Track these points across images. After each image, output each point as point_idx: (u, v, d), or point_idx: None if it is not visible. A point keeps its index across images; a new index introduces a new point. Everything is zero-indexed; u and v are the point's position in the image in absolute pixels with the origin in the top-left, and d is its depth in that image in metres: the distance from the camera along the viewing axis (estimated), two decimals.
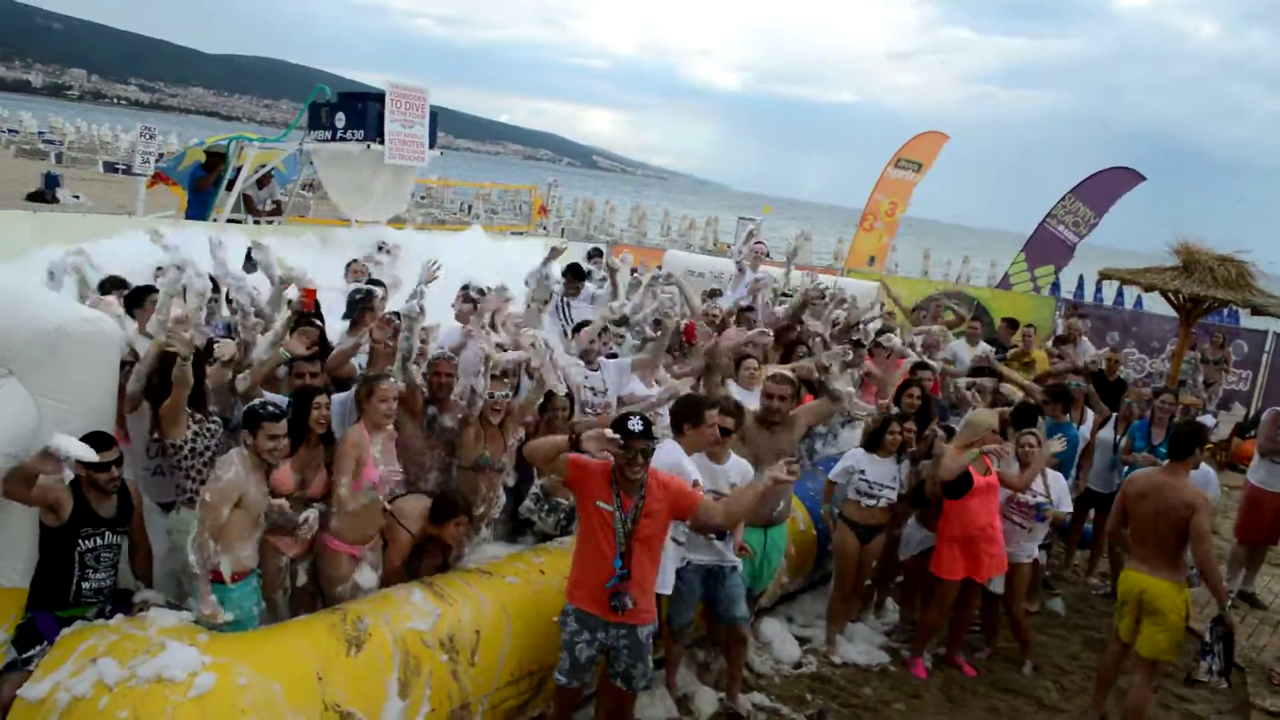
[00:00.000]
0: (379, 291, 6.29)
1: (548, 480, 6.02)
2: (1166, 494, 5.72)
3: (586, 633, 4.71)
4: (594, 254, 11.57)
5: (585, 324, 7.11)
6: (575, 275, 8.80)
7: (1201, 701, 6.85)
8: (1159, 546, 5.75)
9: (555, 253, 7.83)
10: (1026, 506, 6.90)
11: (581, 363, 6.55)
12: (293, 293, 5.86)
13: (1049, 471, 6.99)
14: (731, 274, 11.04)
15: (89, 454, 4.06)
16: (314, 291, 5.50)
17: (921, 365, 8.28)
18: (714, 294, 9.50)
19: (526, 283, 7.29)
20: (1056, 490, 6.98)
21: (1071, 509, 7.30)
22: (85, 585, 4.43)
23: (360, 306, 6.09)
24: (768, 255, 10.98)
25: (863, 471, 6.69)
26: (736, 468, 5.62)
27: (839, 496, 6.95)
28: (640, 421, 4.58)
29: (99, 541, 4.42)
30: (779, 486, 4.94)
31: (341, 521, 4.98)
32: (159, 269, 6.39)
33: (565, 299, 8.63)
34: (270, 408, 4.58)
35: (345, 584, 4.99)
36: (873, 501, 6.65)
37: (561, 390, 5.95)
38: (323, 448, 5.07)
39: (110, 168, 34.25)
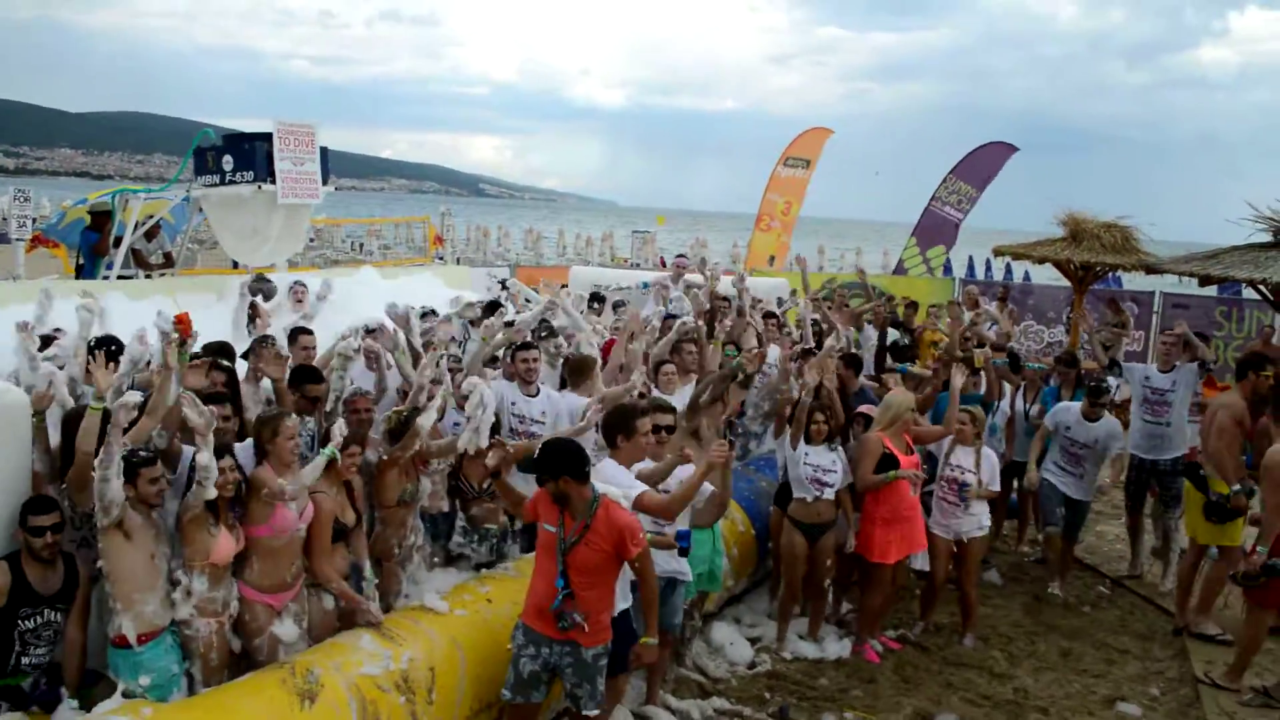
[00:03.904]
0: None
1: (477, 509, 5.97)
2: (1214, 408, 7.18)
3: (531, 647, 4.69)
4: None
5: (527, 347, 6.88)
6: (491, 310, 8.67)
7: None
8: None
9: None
10: (955, 483, 7.03)
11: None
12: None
13: (984, 450, 7.14)
14: (636, 284, 11.14)
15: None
16: (186, 316, 5.24)
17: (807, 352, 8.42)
18: (618, 305, 9.54)
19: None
20: (988, 468, 7.11)
21: (999, 487, 7.47)
22: (25, 660, 4.22)
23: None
24: (687, 268, 11.03)
25: (808, 455, 6.70)
26: (683, 470, 5.56)
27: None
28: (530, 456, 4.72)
29: (39, 620, 4.21)
30: (715, 471, 5.14)
31: (256, 568, 4.76)
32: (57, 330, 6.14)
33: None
34: (143, 453, 4.40)
35: (263, 636, 4.73)
36: (819, 492, 6.66)
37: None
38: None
39: None
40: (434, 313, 7.98)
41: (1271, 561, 6.08)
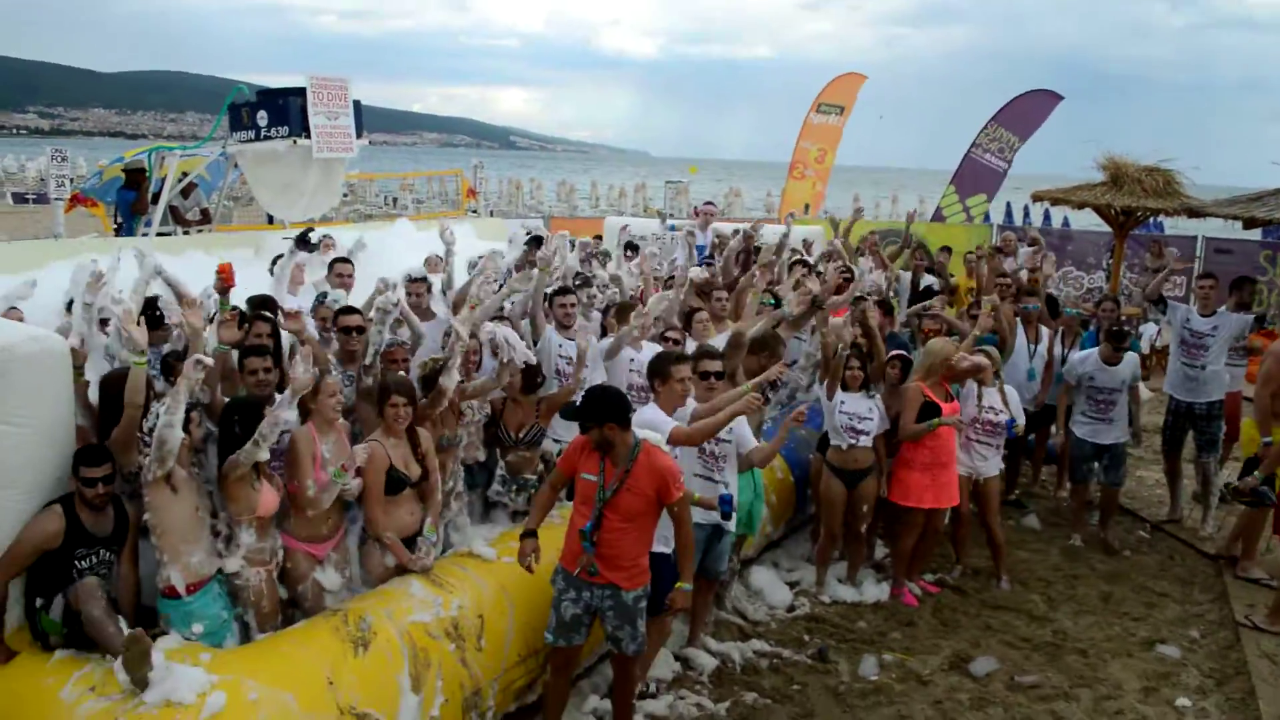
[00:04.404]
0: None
1: (514, 456, 6.04)
2: (1265, 355, 7.11)
3: (572, 591, 4.78)
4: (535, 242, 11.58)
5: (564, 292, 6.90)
6: (537, 243, 8.68)
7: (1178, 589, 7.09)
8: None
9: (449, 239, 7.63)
10: (993, 425, 7.06)
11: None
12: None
13: (1007, 388, 7.17)
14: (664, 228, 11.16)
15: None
16: (229, 266, 5.34)
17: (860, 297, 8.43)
18: (630, 247, 9.56)
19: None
20: (1014, 405, 7.18)
21: (1024, 420, 7.47)
22: None
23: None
24: (714, 215, 11.01)
25: (843, 403, 6.72)
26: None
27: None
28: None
29: (94, 560, 4.32)
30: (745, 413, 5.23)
31: (294, 521, 4.88)
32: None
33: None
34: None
35: (305, 583, 4.86)
36: (855, 440, 6.69)
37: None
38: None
39: (20, 198, 33.14)
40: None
41: (1262, 489, 6.34)
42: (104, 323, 5.65)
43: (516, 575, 5.04)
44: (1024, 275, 10.36)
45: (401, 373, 5.52)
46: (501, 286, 7.81)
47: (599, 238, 13.41)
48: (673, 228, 11.01)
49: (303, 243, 7.42)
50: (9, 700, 4.06)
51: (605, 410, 4.61)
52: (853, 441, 6.70)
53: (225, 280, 5.26)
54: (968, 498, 7.17)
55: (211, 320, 5.67)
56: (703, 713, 5.45)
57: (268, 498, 4.65)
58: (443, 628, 4.65)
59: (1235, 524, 7.53)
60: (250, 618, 4.64)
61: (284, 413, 4.48)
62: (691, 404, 5.49)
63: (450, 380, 5.42)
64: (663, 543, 5.01)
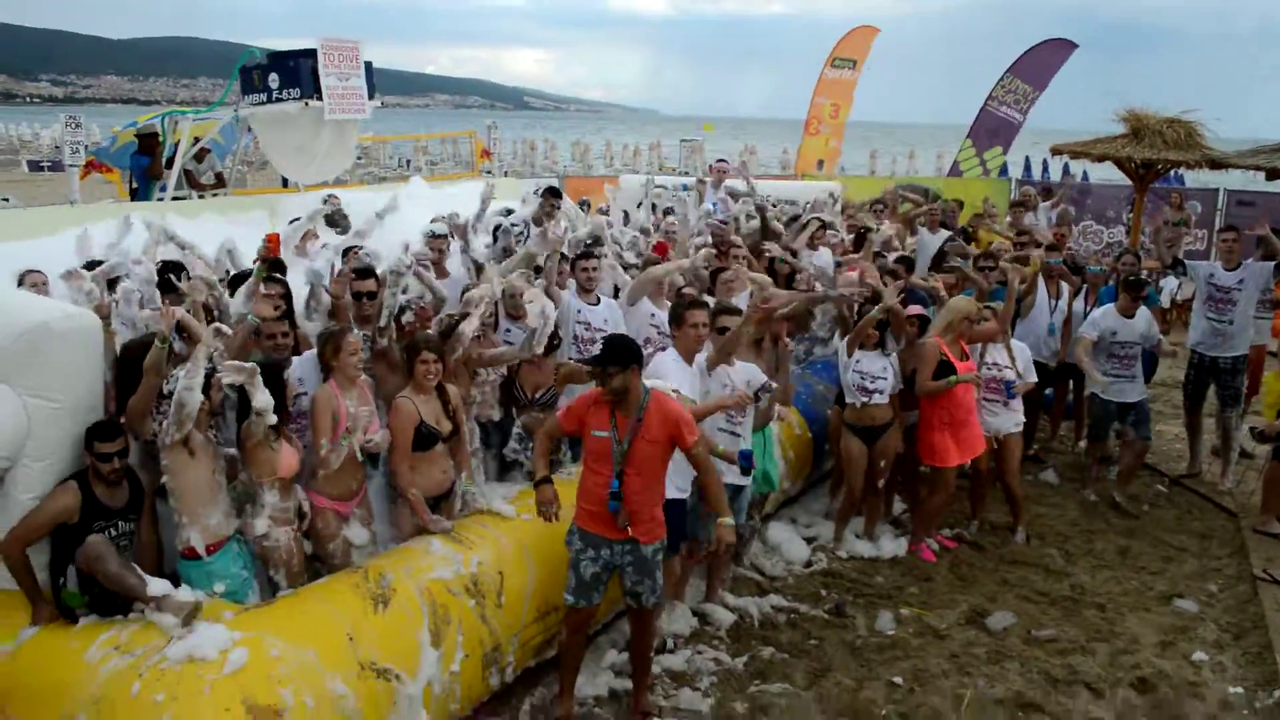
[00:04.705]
0: None
1: (528, 417, 6.07)
2: None
3: (591, 550, 4.79)
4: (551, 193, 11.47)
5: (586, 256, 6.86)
6: (553, 194, 8.66)
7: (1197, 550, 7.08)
8: None
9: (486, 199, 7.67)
10: (995, 381, 7.05)
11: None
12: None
13: (1014, 343, 7.14)
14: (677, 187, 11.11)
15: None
16: (277, 236, 5.38)
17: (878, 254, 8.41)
18: (668, 211, 9.50)
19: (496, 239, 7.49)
20: (1022, 361, 7.16)
21: (1036, 378, 7.44)
22: None
23: None
24: (727, 173, 10.93)
25: (858, 361, 6.70)
26: (744, 372, 5.65)
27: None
28: (597, 352, 4.76)
29: (113, 533, 4.35)
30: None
31: (321, 479, 4.92)
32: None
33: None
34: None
35: (335, 540, 4.91)
36: (867, 398, 6.67)
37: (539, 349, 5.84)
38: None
39: (35, 166, 33.16)
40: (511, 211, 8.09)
41: None
42: (112, 285, 5.67)
43: (536, 532, 5.07)
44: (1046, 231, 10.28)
45: (430, 331, 5.55)
46: (521, 237, 7.84)
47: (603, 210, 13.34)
48: (685, 188, 10.96)
49: (331, 221, 7.43)
50: (35, 666, 4.11)
51: (630, 354, 4.62)
52: (865, 400, 6.69)
53: (271, 250, 5.27)
54: (988, 457, 7.14)
55: (226, 280, 5.67)
56: (720, 667, 5.49)
57: (288, 458, 4.70)
58: (463, 584, 4.69)
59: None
60: (281, 577, 4.70)
61: (261, 396, 4.50)
62: (702, 359, 5.53)
63: (470, 326, 5.44)
64: (674, 489, 5.04)
